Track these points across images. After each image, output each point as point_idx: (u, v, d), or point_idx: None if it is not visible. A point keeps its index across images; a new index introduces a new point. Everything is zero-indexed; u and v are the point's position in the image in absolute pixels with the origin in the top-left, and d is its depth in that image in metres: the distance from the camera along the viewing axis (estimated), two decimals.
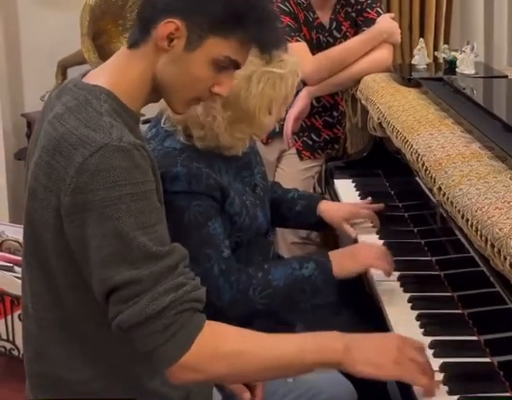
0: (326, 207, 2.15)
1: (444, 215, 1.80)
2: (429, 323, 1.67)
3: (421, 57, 2.76)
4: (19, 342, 2.58)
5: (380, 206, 2.20)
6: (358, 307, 1.98)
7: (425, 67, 2.76)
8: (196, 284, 1.32)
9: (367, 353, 1.37)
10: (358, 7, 2.89)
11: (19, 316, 2.56)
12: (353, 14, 2.91)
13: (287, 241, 2.93)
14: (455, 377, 1.45)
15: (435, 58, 2.95)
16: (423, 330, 1.64)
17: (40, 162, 1.33)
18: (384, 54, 2.82)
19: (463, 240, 1.68)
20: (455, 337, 1.62)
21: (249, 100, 1.74)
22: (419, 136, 1.98)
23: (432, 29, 3.54)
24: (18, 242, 2.79)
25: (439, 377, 1.46)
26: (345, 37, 2.92)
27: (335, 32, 2.93)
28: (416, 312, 1.72)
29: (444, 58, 2.75)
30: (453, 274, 1.87)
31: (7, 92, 3.67)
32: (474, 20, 3.64)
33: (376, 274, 1.89)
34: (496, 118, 1.91)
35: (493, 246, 1.38)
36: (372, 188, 2.53)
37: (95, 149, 1.26)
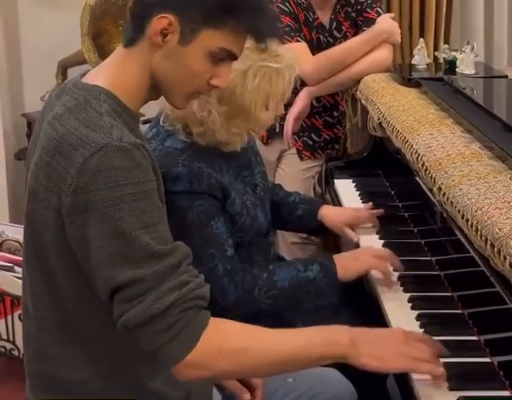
0: (327, 212, 2.15)
1: (444, 215, 1.80)
2: (429, 323, 1.67)
3: (421, 57, 2.76)
4: (19, 342, 2.58)
5: (380, 211, 2.20)
6: (358, 307, 1.98)
7: (425, 67, 2.76)
8: (200, 282, 1.33)
9: (372, 346, 1.39)
10: (359, 7, 2.89)
11: (19, 316, 2.56)
12: (354, 14, 2.91)
13: (287, 241, 2.93)
14: (455, 377, 1.45)
15: (435, 58, 2.95)
16: (423, 330, 1.64)
17: (40, 162, 1.33)
18: (384, 54, 2.82)
19: (463, 240, 1.68)
20: (455, 337, 1.62)
21: (245, 95, 1.73)
22: (419, 136, 1.98)
23: (432, 29, 3.54)
24: (19, 242, 2.78)
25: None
26: (345, 37, 2.92)
27: (335, 32, 2.93)
28: (416, 312, 1.72)
29: (444, 58, 2.75)
30: (453, 274, 1.87)
31: (8, 92, 3.68)
32: (474, 20, 3.64)
33: (376, 274, 1.89)
34: (496, 118, 1.91)
35: (493, 246, 1.38)
36: (372, 188, 2.53)
37: (95, 149, 1.26)
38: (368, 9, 2.89)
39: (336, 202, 2.50)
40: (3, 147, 3.46)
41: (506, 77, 2.54)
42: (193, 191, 1.72)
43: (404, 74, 2.67)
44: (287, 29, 2.79)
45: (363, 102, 2.64)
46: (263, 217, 1.92)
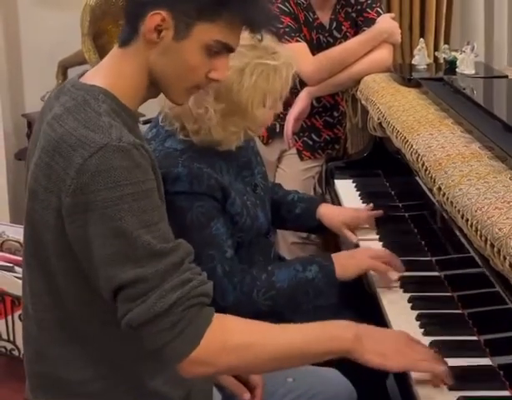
0: (326, 211, 2.15)
1: (444, 215, 1.80)
2: (429, 323, 1.67)
3: (421, 58, 2.76)
4: (20, 342, 2.58)
5: (380, 212, 2.20)
6: (358, 308, 1.98)
7: (425, 67, 2.76)
8: (202, 279, 1.33)
9: (376, 343, 1.40)
10: (359, 7, 2.89)
11: (20, 316, 2.56)
12: (354, 14, 2.91)
13: (287, 241, 2.93)
14: (455, 377, 1.45)
15: (435, 58, 2.95)
16: (423, 330, 1.64)
17: (40, 163, 1.33)
18: (384, 54, 2.82)
19: (463, 240, 1.68)
20: (455, 337, 1.62)
21: (241, 93, 1.73)
22: (419, 136, 1.98)
23: (432, 29, 3.54)
24: (19, 242, 2.79)
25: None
26: (345, 38, 2.92)
27: (335, 33, 2.93)
28: (416, 312, 1.72)
29: (444, 58, 2.75)
30: (453, 274, 1.87)
31: (8, 93, 3.68)
32: (474, 20, 3.64)
33: (376, 274, 1.89)
34: (496, 118, 1.91)
35: (492, 246, 1.38)
36: (372, 188, 2.53)
37: (95, 150, 1.26)
38: (368, 9, 2.88)
39: (336, 202, 2.50)
40: (4, 147, 3.46)
41: (506, 77, 2.54)
42: (192, 192, 1.72)
43: (404, 74, 2.67)
44: (287, 29, 2.79)
45: (363, 102, 2.64)
46: (263, 217, 1.91)
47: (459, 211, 1.55)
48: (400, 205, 2.38)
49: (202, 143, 1.78)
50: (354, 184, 2.58)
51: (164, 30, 1.34)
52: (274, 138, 3.01)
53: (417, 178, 2.08)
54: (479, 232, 1.44)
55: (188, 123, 1.77)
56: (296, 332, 1.38)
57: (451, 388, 1.43)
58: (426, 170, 1.80)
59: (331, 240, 2.84)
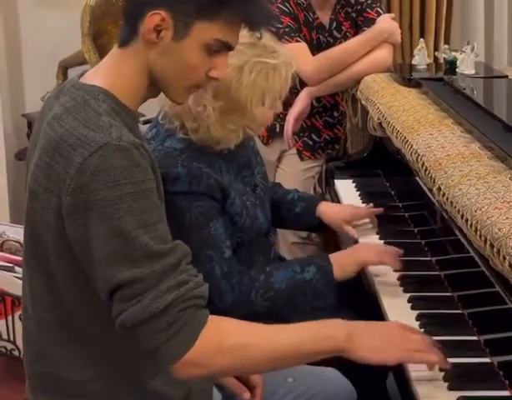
0: (326, 209, 2.15)
1: (444, 215, 1.80)
2: (429, 323, 1.67)
3: (421, 58, 2.76)
4: (20, 342, 2.58)
5: (380, 210, 2.21)
6: (357, 308, 1.97)
7: (425, 67, 2.76)
8: (198, 281, 1.33)
9: (368, 340, 1.40)
10: (359, 7, 2.89)
11: (20, 316, 2.56)
12: (354, 14, 2.91)
13: (287, 241, 2.93)
14: (455, 377, 1.45)
15: (435, 58, 2.95)
16: (423, 330, 1.64)
17: (40, 163, 1.33)
18: (384, 54, 2.82)
19: (463, 240, 1.68)
20: (455, 337, 1.62)
21: (240, 91, 1.73)
22: (419, 136, 1.98)
23: (432, 29, 3.54)
24: (19, 242, 2.79)
25: (439, 376, 1.46)
26: (345, 38, 2.92)
27: (335, 33, 2.93)
28: (416, 312, 1.72)
29: (444, 58, 2.75)
30: (453, 274, 1.87)
31: (8, 93, 3.68)
32: (474, 20, 3.64)
33: (376, 274, 1.90)
34: (496, 118, 1.91)
35: (492, 246, 1.38)
36: (372, 188, 2.53)
37: (94, 149, 1.26)
38: (368, 9, 2.88)
39: (336, 202, 2.50)
40: (4, 147, 3.46)
41: (506, 77, 2.54)
42: (192, 191, 1.72)
43: (404, 74, 2.67)
44: (287, 29, 2.79)
45: (363, 102, 2.64)
46: (263, 217, 1.92)
47: (458, 211, 1.55)
48: (400, 205, 2.39)
49: (201, 142, 1.78)
50: (354, 184, 2.58)
51: (164, 30, 1.34)
52: (274, 138, 3.01)
53: (417, 178, 2.08)
54: (478, 232, 1.44)
55: (188, 122, 1.77)
56: (290, 333, 1.38)
57: (451, 388, 1.44)
58: (426, 170, 1.80)
59: (331, 239, 2.84)
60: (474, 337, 1.62)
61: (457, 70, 2.57)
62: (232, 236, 1.80)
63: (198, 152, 1.77)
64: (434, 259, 1.99)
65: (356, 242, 2.11)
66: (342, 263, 1.82)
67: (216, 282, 1.71)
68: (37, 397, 1.49)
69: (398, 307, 1.77)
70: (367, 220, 2.20)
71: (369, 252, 1.87)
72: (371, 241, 2.11)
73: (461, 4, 3.68)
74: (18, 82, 3.77)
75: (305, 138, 3.02)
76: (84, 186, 1.25)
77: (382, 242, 2.11)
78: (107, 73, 1.40)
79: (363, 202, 2.40)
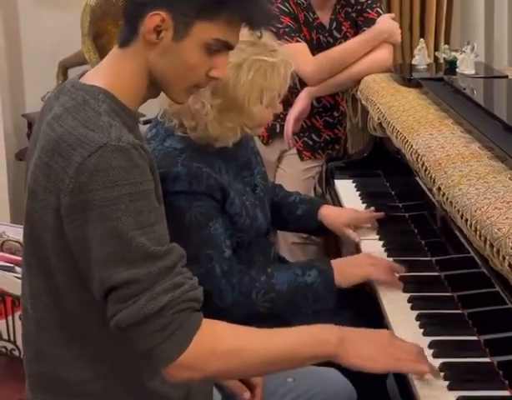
0: (327, 212, 2.15)
1: (444, 215, 1.80)
2: (428, 323, 1.67)
3: (421, 58, 2.76)
4: (20, 342, 2.58)
5: (381, 214, 2.20)
6: (358, 308, 1.98)
7: (426, 67, 2.76)
8: (193, 284, 1.33)
9: (360, 347, 1.40)
10: (359, 7, 2.89)
11: (20, 316, 2.57)
12: (354, 14, 2.91)
13: (287, 241, 2.93)
14: (455, 377, 1.45)
15: (436, 59, 2.95)
16: (423, 330, 1.64)
17: (39, 162, 1.33)
18: (384, 54, 2.82)
19: (462, 240, 1.68)
20: (455, 337, 1.62)
21: (238, 88, 1.72)
22: (419, 136, 1.98)
23: (432, 29, 3.54)
24: (19, 242, 2.79)
25: (440, 374, 1.46)
26: (345, 38, 2.92)
27: (335, 33, 2.93)
28: (416, 312, 1.72)
29: (444, 58, 2.75)
30: (453, 274, 1.87)
31: (8, 93, 3.68)
32: (474, 20, 3.64)
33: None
34: (496, 119, 1.91)
35: (492, 246, 1.38)
36: (372, 189, 2.53)
37: (94, 149, 1.26)
38: (368, 9, 2.88)
39: (336, 202, 2.50)
40: (4, 147, 3.46)
41: (506, 77, 2.54)
42: (192, 191, 1.72)
43: (404, 74, 2.67)
44: (287, 29, 2.79)
45: (363, 102, 2.64)
46: (262, 217, 1.91)
47: (458, 211, 1.55)
48: (400, 205, 2.39)
49: (199, 140, 1.78)
50: (354, 184, 2.58)
51: (164, 30, 1.34)
52: (274, 138, 3.01)
53: (417, 178, 2.08)
54: (478, 232, 1.44)
55: (186, 119, 1.77)
56: (283, 337, 1.38)
57: (451, 388, 1.43)
58: (426, 170, 1.80)
59: (332, 241, 2.85)
60: (474, 337, 1.62)
61: (457, 70, 2.57)
62: (231, 236, 1.80)
63: (198, 152, 1.77)
64: (434, 259, 1.99)
65: (357, 245, 2.11)
66: (343, 271, 1.82)
67: (216, 282, 1.71)
68: (37, 397, 1.49)
69: (398, 307, 1.76)
70: (368, 225, 2.19)
71: (371, 267, 1.85)
72: (371, 241, 2.11)
73: (461, 4, 3.68)
74: (18, 83, 3.77)
75: (305, 138, 3.02)
76: (83, 186, 1.25)
77: (382, 242, 2.10)
78: (107, 73, 1.40)
79: (363, 203, 2.40)
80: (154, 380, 1.44)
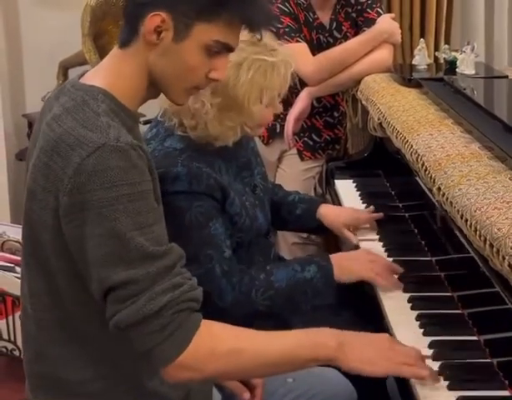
0: (326, 212, 2.14)
1: (444, 215, 1.80)
2: (428, 323, 1.67)
3: (421, 58, 2.76)
4: (20, 342, 2.58)
5: (380, 215, 2.20)
6: (357, 308, 1.98)
7: (426, 67, 2.76)
8: (192, 284, 1.33)
9: (359, 351, 1.40)
10: (359, 7, 2.89)
11: (20, 316, 2.57)
12: (354, 14, 2.91)
13: (288, 241, 2.93)
14: (455, 377, 1.45)
15: (436, 59, 2.95)
16: (423, 330, 1.64)
17: (38, 163, 1.33)
18: (384, 54, 2.82)
19: (462, 240, 1.68)
20: (455, 337, 1.62)
21: (237, 88, 1.72)
22: (419, 136, 1.98)
23: (432, 29, 3.54)
24: (19, 242, 2.77)
25: (440, 378, 1.46)
26: (345, 38, 2.92)
27: (335, 33, 2.93)
28: (416, 312, 1.72)
29: (444, 59, 2.75)
30: (453, 274, 1.87)
31: (9, 93, 3.68)
32: (474, 20, 3.64)
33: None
34: (496, 119, 1.91)
35: (492, 246, 1.38)
36: (372, 189, 2.53)
37: (92, 149, 1.26)
38: (368, 9, 2.89)
39: (336, 202, 2.50)
40: (4, 147, 3.47)
41: (506, 77, 2.54)
42: (192, 191, 1.72)
43: (404, 74, 2.67)
44: (287, 30, 2.79)
45: (363, 102, 2.64)
46: (262, 217, 1.92)
47: (458, 211, 1.55)
48: (400, 205, 2.39)
49: (199, 139, 1.78)
50: (355, 184, 2.58)
51: (164, 31, 1.34)
52: (275, 138, 3.01)
53: (417, 178, 2.08)
54: (478, 232, 1.44)
55: (186, 119, 1.77)
56: (282, 339, 1.39)
57: (451, 388, 1.43)
58: (426, 170, 1.80)
59: (331, 240, 2.84)
60: (474, 337, 1.62)
61: (457, 70, 2.57)
62: (231, 236, 1.80)
63: (198, 152, 1.77)
64: (434, 259, 1.99)
65: (357, 247, 2.11)
66: (342, 266, 1.82)
67: (216, 282, 1.71)
68: (37, 397, 1.49)
69: (398, 307, 1.76)
70: (367, 225, 2.19)
71: (369, 270, 1.85)
72: (371, 241, 2.11)
73: (461, 4, 3.68)
74: (19, 83, 3.78)
75: (305, 138, 3.02)
76: (81, 186, 1.25)
77: (382, 243, 2.11)
78: (107, 74, 1.40)
79: (363, 203, 2.40)
80: (154, 380, 1.44)
